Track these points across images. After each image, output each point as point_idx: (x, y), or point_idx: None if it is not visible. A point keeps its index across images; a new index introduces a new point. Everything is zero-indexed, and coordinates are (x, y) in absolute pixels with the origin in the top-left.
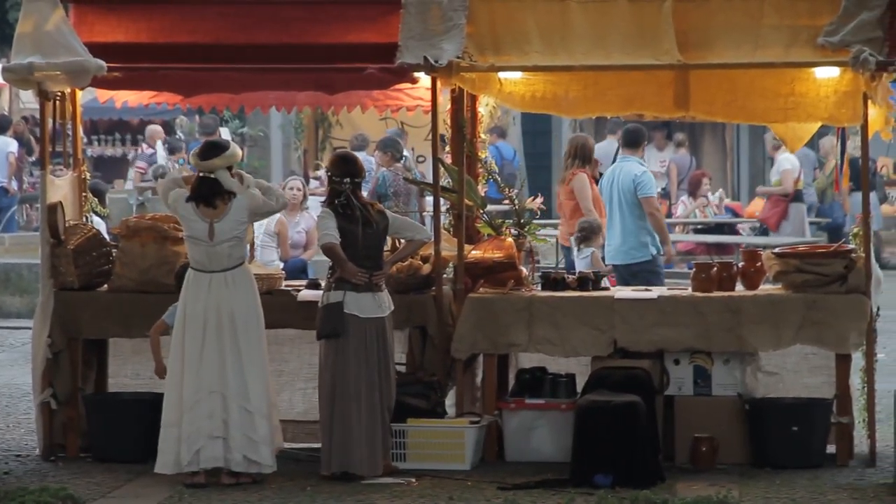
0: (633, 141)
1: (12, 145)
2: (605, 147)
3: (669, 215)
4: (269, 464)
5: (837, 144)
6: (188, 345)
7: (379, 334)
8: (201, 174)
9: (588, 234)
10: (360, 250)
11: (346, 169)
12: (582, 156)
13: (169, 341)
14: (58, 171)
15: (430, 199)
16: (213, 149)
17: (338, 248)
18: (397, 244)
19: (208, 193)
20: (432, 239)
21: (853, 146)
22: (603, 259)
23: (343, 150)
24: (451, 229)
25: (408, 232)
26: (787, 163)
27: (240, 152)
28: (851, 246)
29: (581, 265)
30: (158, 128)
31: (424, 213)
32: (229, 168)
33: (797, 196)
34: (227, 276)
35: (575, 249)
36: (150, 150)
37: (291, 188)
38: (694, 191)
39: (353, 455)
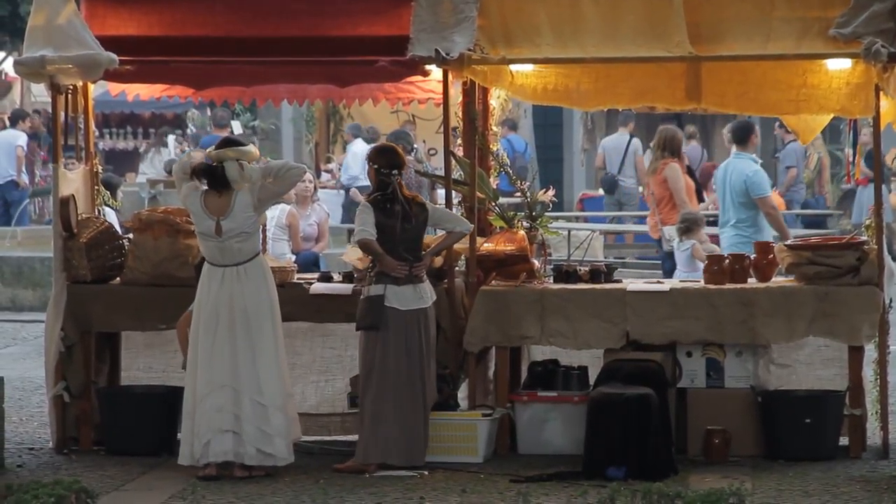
0: (741, 137)
1: (21, 138)
2: (617, 139)
3: None
4: (284, 456)
5: (850, 135)
6: (202, 338)
7: (421, 325)
8: (212, 163)
9: (690, 226)
10: (399, 244)
11: (392, 160)
12: (671, 147)
13: (176, 336)
14: (70, 165)
15: (441, 191)
16: (227, 143)
17: (374, 243)
18: None
19: (210, 179)
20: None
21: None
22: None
23: (384, 142)
24: None
25: (448, 223)
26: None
27: (256, 153)
28: (864, 238)
29: (682, 257)
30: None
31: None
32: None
33: None
34: (240, 270)
35: (676, 241)
36: None
37: (302, 181)
38: (706, 182)
39: (391, 447)
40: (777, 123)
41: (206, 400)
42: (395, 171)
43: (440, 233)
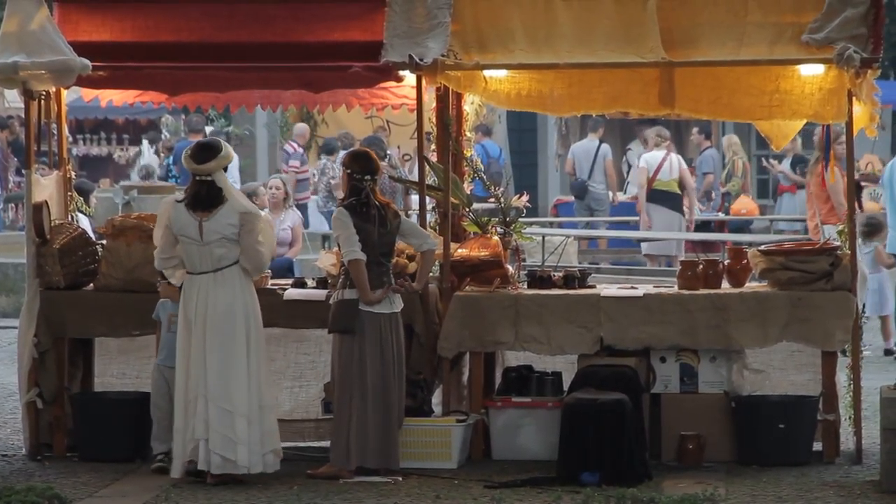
0: None
1: None
2: (586, 145)
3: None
4: (246, 465)
5: (823, 141)
6: (186, 348)
7: (393, 329)
8: (197, 177)
9: (873, 230)
10: (377, 248)
11: (366, 166)
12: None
13: (150, 342)
14: (43, 171)
15: (415, 197)
16: (208, 150)
17: (363, 266)
18: None
19: (206, 198)
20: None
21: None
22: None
23: (358, 147)
24: (437, 227)
25: (414, 239)
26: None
27: (233, 152)
28: (837, 243)
29: (866, 260)
30: (305, 126)
31: (410, 212)
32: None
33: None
34: (217, 277)
35: (859, 242)
36: (300, 150)
37: (271, 187)
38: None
39: (368, 450)
40: (696, 129)
41: (188, 408)
42: (367, 177)
43: None
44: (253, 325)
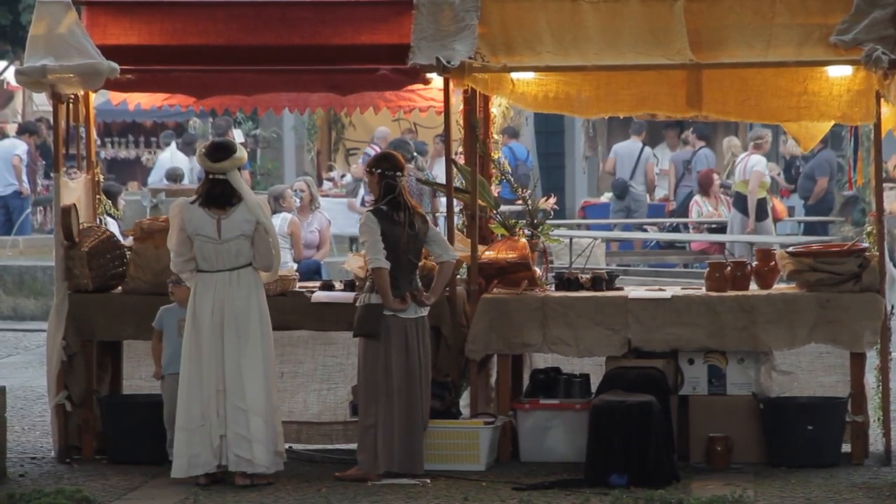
0: None
1: (20, 148)
2: (629, 146)
3: (685, 214)
4: (263, 463)
5: (851, 142)
6: (197, 346)
7: (419, 333)
8: (211, 176)
9: None
10: (405, 251)
11: (396, 163)
12: None
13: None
14: (71, 174)
15: (443, 199)
16: (223, 150)
17: (386, 274)
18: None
19: (220, 195)
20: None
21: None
22: None
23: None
24: (465, 230)
25: (437, 248)
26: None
27: (245, 154)
28: (865, 244)
29: None
30: (386, 129)
31: (437, 214)
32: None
33: None
34: (233, 275)
35: None
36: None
37: (296, 189)
38: (706, 189)
39: (394, 455)
40: (691, 129)
41: (198, 414)
42: (399, 173)
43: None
44: (266, 326)
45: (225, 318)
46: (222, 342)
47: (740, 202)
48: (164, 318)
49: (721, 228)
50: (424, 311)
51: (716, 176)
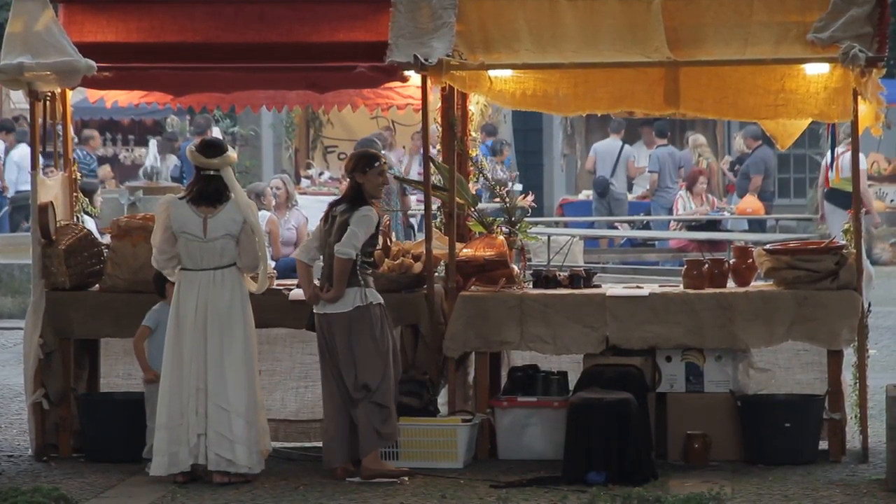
0: None
1: None
2: (609, 144)
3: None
4: (245, 464)
5: (828, 140)
6: (179, 345)
7: (324, 330)
8: (203, 172)
9: None
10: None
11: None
12: None
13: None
14: (48, 172)
15: (412, 197)
16: (215, 147)
17: (310, 269)
18: (388, 242)
19: (213, 193)
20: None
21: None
22: None
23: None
24: (443, 228)
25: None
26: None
27: (235, 154)
28: (842, 242)
29: None
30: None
31: (410, 212)
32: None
33: None
34: (217, 275)
35: None
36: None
37: (273, 187)
38: (692, 186)
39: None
40: (654, 132)
41: (178, 412)
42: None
43: (420, 237)
44: (249, 326)
45: (209, 318)
46: (205, 341)
47: (837, 197)
48: (161, 316)
49: (701, 226)
50: (322, 309)
51: (702, 177)
